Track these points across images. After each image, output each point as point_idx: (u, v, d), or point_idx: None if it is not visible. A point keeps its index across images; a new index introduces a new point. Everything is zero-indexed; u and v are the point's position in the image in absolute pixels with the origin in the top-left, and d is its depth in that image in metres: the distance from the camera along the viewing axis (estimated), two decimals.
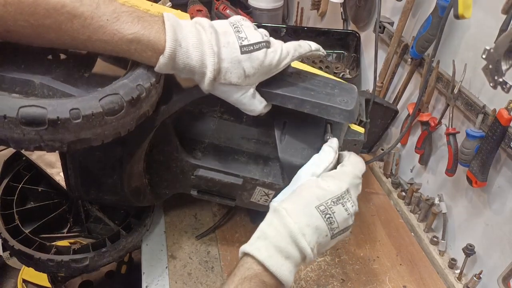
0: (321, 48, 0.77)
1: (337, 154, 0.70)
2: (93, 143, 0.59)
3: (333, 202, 0.61)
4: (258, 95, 0.72)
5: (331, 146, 0.70)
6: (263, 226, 0.62)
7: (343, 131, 0.83)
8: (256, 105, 0.72)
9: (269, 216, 0.62)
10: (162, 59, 0.61)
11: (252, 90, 0.70)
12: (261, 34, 0.69)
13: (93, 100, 0.57)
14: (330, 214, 0.61)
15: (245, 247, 0.60)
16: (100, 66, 0.69)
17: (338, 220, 0.61)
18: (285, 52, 0.71)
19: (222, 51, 0.65)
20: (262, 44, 0.67)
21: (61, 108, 0.54)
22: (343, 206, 0.62)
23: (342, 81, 0.82)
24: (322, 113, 0.73)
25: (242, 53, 0.65)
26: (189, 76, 0.67)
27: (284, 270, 0.58)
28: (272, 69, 0.70)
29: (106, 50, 0.61)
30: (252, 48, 0.66)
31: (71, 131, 0.56)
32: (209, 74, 0.64)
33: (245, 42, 0.66)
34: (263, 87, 0.73)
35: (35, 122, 0.53)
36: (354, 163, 0.68)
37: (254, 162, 0.84)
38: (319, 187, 0.63)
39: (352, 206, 0.63)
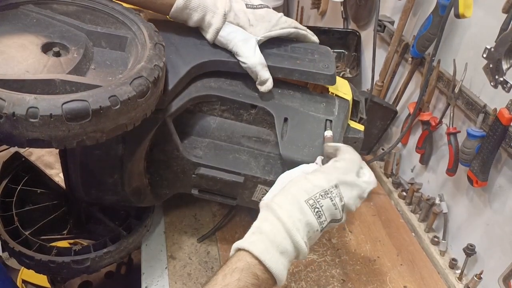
0: (314, 36, 0.92)
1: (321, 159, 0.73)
2: (128, 128, 0.61)
3: (321, 195, 0.62)
4: (258, 49, 0.80)
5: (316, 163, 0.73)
6: (257, 222, 0.62)
7: (342, 127, 0.83)
8: (256, 57, 0.79)
9: (262, 213, 0.63)
10: None
11: (254, 40, 0.80)
12: (261, 1, 0.86)
13: (124, 85, 0.58)
14: (318, 208, 0.61)
15: (238, 243, 0.59)
16: (101, 59, 0.69)
17: (326, 214, 0.62)
18: (284, 19, 0.85)
19: (232, 4, 0.81)
20: (263, 5, 0.85)
21: (100, 97, 0.55)
22: (332, 200, 0.62)
23: (316, 44, 0.92)
24: (309, 79, 0.82)
25: (247, 7, 0.83)
26: (200, 17, 0.78)
27: (279, 264, 0.57)
28: (269, 26, 0.83)
29: None
30: (255, 6, 0.84)
31: (111, 119, 0.57)
32: (221, 10, 0.78)
33: (249, 3, 0.84)
34: None
35: (80, 116, 0.54)
36: (348, 160, 0.69)
37: (255, 160, 0.84)
38: (307, 180, 0.64)
39: (341, 201, 0.63)
